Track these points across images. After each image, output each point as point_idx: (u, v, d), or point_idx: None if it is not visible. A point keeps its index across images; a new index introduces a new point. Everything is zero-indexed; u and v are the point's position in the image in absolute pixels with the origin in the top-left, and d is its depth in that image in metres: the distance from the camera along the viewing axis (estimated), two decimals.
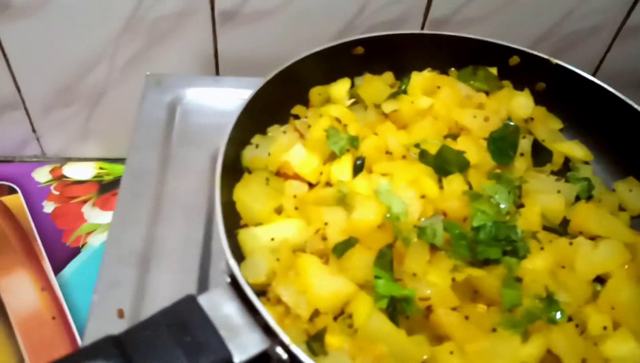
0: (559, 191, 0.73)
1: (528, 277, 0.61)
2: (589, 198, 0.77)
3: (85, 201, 1.17)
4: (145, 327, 0.47)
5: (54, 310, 0.99)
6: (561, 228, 0.72)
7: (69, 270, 1.05)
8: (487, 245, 0.61)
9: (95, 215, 1.14)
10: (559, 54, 1.17)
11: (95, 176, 1.22)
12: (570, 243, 0.66)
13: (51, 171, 1.21)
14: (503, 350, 0.56)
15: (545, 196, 0.72)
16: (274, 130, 0.78)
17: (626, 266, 0.65)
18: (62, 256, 1.07)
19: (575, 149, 0.81)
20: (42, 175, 1.20)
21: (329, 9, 1.05)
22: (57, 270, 1.04)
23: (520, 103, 0.82)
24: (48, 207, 1.14)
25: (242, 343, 0.49)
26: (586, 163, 0.82)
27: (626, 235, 0.69)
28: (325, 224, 0.64)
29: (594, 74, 1.22)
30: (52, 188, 1.18)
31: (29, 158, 1.24)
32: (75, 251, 1.08)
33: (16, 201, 1.14)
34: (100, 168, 1.24)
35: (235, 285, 0.54)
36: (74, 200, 1.17)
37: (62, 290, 1.01)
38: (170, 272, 0.72)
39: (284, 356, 0.51)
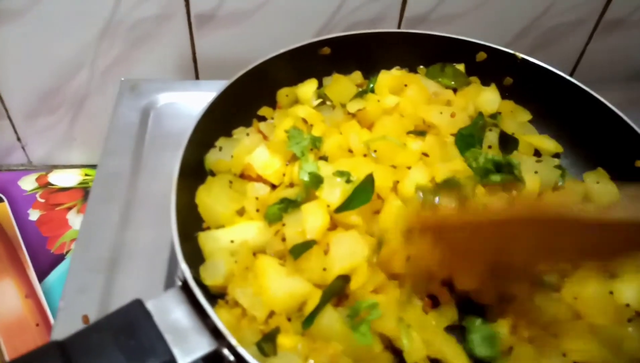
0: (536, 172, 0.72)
1: None
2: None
3: (70, 208, 1.18)
4: (90, 331, 0.48)
5: (37, 317, 1.00)
6: None
7: (53, 276, 1.06)
8: None
9: (80, 222, 1.15)
10: (538, 50, 1.17)
11: (80, 183, 1.23)
12: None
13: (37, 179, 1.22)
14: None
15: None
16: (239, 132, 0.78)
17: None
18: (46, 263, 1.08)
19: (545, 142, 0.80)
20: (28, 183, 1.22)
21: (306, 8, 1.05)
22: (41, 277, 1.05)
23: (487, 98, 0.81)
24: (33, 215, 1.15)
25: (188, 346, 0.50)
26: (556, 155, 0.81)
27: None
28: (283, 225, 0.64)
29: (573, 69, 1.21)
30: (37, 195, 1.19)
31: (16, 166, 1.26)
32: (60, 258, 1.09)
33: (2, 210, 1.15)
34: (86, 175, 1.25)
35: (186, 288, 0.54)
36: (59, 207, 1.18)
37: (46, 297, 1.02)
38: (137, 277, 0.73)
39: (231, 358, 0.51)
